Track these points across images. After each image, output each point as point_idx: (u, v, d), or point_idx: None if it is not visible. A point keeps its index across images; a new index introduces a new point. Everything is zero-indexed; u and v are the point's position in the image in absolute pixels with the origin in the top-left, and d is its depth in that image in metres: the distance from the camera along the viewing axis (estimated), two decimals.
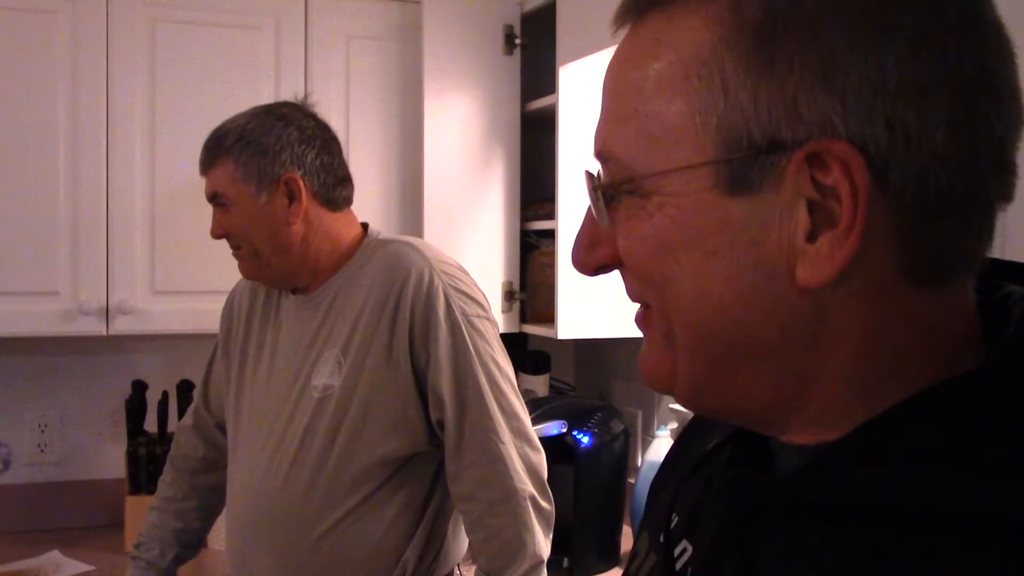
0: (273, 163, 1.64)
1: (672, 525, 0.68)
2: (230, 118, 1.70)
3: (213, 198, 1.68)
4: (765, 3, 0.52)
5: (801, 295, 0.53)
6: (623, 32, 0.60)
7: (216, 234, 1.69)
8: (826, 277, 0.52)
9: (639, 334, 0.63)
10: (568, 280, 2.33)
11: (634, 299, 0.62)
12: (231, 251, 1.70)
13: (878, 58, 0.50)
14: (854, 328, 0.54)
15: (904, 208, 0.51)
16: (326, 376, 1.61)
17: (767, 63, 0.52)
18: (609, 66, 0.60)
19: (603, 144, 0.60)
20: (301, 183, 1.64)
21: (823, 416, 0.56)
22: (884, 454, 0.53)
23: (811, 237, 0.52)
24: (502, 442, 1.58)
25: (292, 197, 1.65)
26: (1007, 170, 0.54)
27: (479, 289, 1.67)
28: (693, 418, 0.79)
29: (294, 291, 1.73)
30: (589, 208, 0.61)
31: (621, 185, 0.58)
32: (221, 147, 1.65)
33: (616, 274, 0.62)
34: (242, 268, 1.71)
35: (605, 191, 0.59)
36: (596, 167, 0.61)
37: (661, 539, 0.68)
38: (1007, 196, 0.55)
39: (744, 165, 0.53)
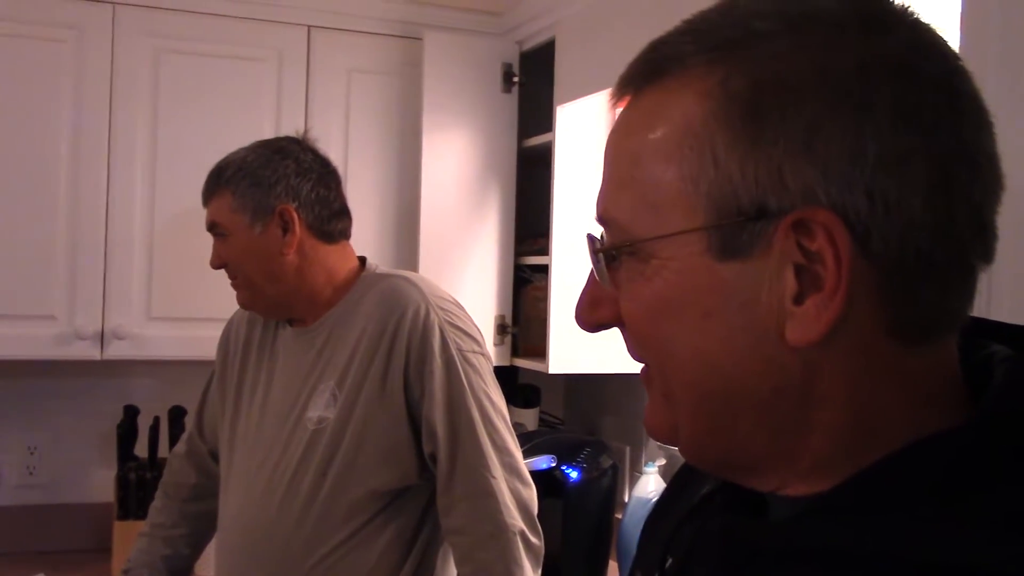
0: (268, 194, 1.66)
1: (667, 566, 0.70)
2: (233, 152, 1.73)
3: (212, 228, 1.71)
4: (752, 79, 0.56)
5: (791, 354, 0.56)
6: (622, 103, 0.63)
7: (215, 264, 1.72)
8: (814, 337, 0.55)
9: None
10: (560, 315, 2.36)
11: (635, 358, 0.64)
12: (229, 281, 1.73)
13: (857, 130, 0.53)
14: (843, 385, 0.56)
15: (886, 272, 0.54)
16: (321, 408, 1.63)
17: (754, 135, 0.55)
18: (609, 136, 0.64)
19: (604, 209, 0.63)
20: (295, 214, 1.67)
21: (815, 469, 0.59)
22: (873, 505, 0.55)
23: (799, 299, 0.55)
24: (493, 477, 1.59)
25: (286, 228, 1.67)
26: (986, 233, 0.57)
27: (474, 324, 1.69)
28: (684, 464, 0.81)
29: (291, 323, 1.75)
30: (592, 270, 0.64)
31: (621, 248, 0.61)
32: (221, 178, 1.69)
33: None
34: (239, 298, 1.73)
35: (607, 254, 0.62)
36: (598, 230, 0.64)
37: None
38: (987, 258, 0.58)
39: (734, 231, 0.56)
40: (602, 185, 0.64)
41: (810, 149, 0.54)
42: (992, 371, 0.59)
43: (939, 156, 0.54)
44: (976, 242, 0.56)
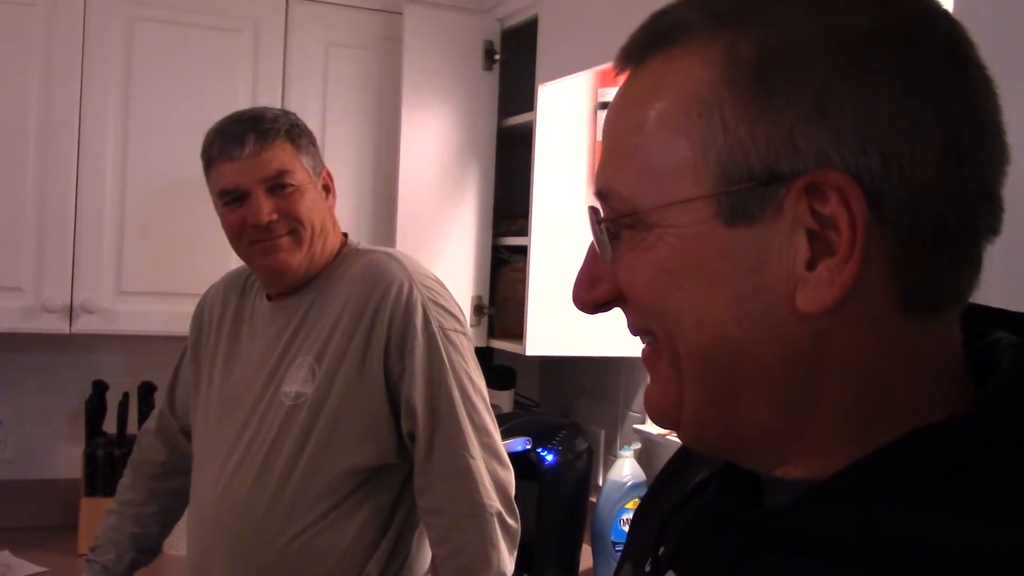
0: (319, 153, 1.70)
1: (659, 554, 0.68)
2: (247, 109, 1.70)
3: (277, 176, 1.61)
4: (760, 43, 0.54)
5: (800, 322, 0.55)
6: (623, 76, 0.62)
7: (268, 218, 1.59)
8: (826, 303, 0.54)
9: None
10: (538, 297, 2.34)
11: (636, 332, 0.63)
12: (257, 242, 1.61)
13: (870, 94, 0.53)
14: (850, 357, 0.55)
15: (899, 238, 0.53)
16: (299, 384, 1.60)
17: (764, 99, 0.54)
18: (611, 108, 0.62)
19: (605, 183, 0.61)
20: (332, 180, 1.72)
21: (817, 449, 0.57)
22: (874, 495, 0.54)
23: (810, 265, 0.54)
24: (472, 457, 1.57)
25: (328, 189, 1.70)
26: (993, 204, 0.56)
27: (456, 303, 1.67)
28: (680, 448, 0.80)
29: (269, 297, 1.72)
30: (590, 247, 0.63)
31: (623, 219, 0.59)
32: (276, 128, 1.63)
33: None
34: (277, 258, 1.62)
35: (608, 226, 0.60)
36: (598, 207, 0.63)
37: (647, 568, 0.69)
38: (994, 229, 0.57)
39: (744, 197, 0.55)
40: (602, 159, 0.62)
41: (822, 112, 0.53)
42: (998, 357, 0.58)
43: (951, 121, 0.53)
44: (985, 211, 0.56)
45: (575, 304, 0.64)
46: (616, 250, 0.61)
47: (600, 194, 0.62)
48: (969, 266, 0.57)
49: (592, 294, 0.63)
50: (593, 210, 0.62)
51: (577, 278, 0.64)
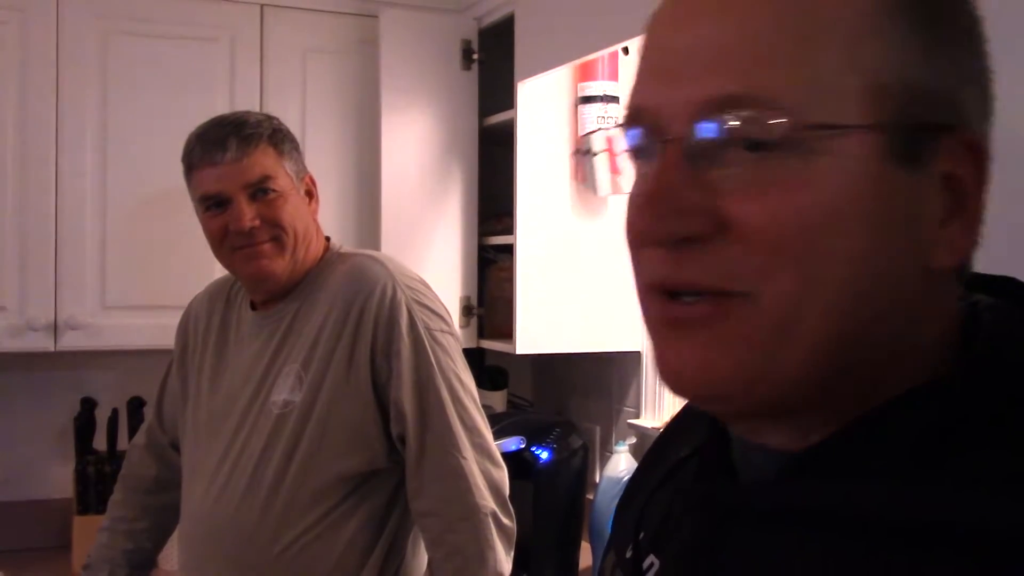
0: (302, 159, 1.68)
1: (640, 539, 0.68)
2: (229, 113, 1.68)
3: (260, 182, 1.59)
4: None
5: (922, 278, 0.53)
6: None
7: (250, 224, 1.57)
8: (955, 261, 0.53)
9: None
10: (526, 295, 2.33)
11: (730, 286, 0.52)
12: (239, 249, 1.59)
13: (984, 51, 0.55)
14: (938, 314, 0.55)
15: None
16: (287, 392, 1.59)
17: (932, 39, 0.53)
18: None
19: (751, 86, 0.50)
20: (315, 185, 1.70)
21: (859, 400, 0.54)
22: (853, 464, 0.53)
23: (944, 222, 0.53)
24: (464, 458, 1.56)
25: (310, 195, 1.68)
26: None
27: (442, 303, 1.66)
28: (657, 438, 0.79)
29: (254, 306, 1.70)
30: (668, 170, 0.52)
31: (786, 133, 0.49)
32: (259, 133, 1.60)
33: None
34: (259, 264, 1.60)
35: (749, 131, 0.50)
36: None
37: (628, 554, 0.68)
38: None
39: (915, 137, 0.51)
40: (734, 56, 0.51)
41: (971, 67, 0.54)
42: (978, 319, 0.57)
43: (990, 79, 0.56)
44: None
45: (639, 236, 0.54)
46: (739, 168, 0.51)
47: (731, 99, 0.50)
48: None
49: (680, 224, 0.51)
50: (717, 116, 0.51)
51: (653, 203, 0.52)
